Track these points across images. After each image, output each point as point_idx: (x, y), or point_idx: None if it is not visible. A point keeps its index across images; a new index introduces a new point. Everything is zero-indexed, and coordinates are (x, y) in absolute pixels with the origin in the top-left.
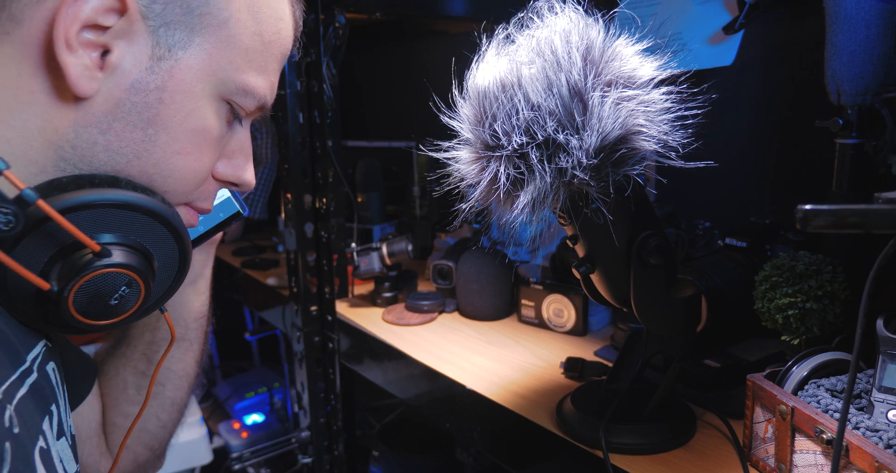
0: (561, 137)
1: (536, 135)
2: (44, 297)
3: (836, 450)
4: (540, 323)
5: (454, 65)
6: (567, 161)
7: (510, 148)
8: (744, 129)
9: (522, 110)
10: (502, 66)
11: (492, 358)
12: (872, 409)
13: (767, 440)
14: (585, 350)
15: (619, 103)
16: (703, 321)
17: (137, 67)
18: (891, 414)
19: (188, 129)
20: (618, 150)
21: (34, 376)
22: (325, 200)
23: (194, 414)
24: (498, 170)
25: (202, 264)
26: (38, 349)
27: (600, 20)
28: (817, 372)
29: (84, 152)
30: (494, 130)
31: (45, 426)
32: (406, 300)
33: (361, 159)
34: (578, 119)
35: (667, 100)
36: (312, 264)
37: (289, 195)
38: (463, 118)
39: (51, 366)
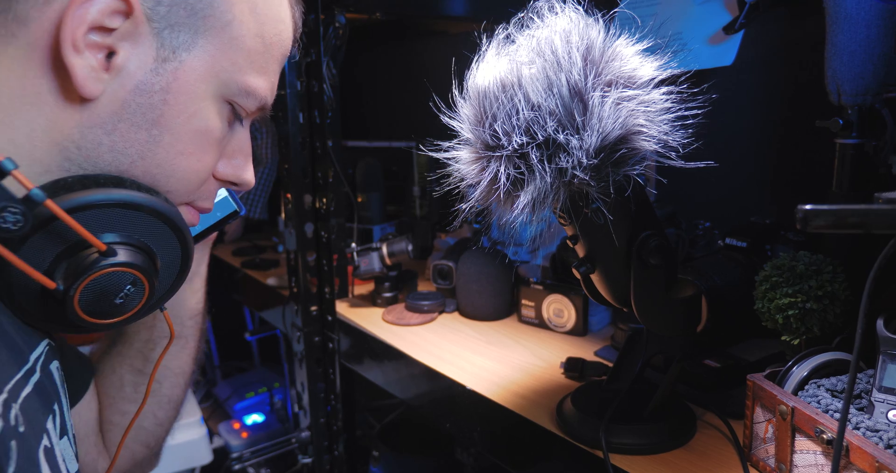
0: (561, 137)
1: (537, 135)
2: (49, 296)
3: (837, 450)
4: (540, 323)
5: (454, 65)
6: (567, 161)
7: (510, 148)
8: (744, 129)
9: (522, 110)
10: (502, 66)
11: (492, 358)
12: (873, 409)
13: (768, 440)
14: (586, 350)
15: (619, 103)
16: (703, 322)
17: (142, 69)
18: (891, 414)
19: (191, 130)
20: (618, 150)
21: (38, 375)
22: (325, 200)
23: (194, 414)
24: (498, 170)
25: (198, 261)
26: (42, 348)
27: (600, 20)
28: (817, 372)
29: (89, 153)
30: (494, 130)
31: (49, 425)
32: (406, 300)
33: (361, 159)
34: (579, 119)
35: (667, 100)
36: (312, 264)
37: (289, 195)
38: (463, 118)
39: (54, 365)
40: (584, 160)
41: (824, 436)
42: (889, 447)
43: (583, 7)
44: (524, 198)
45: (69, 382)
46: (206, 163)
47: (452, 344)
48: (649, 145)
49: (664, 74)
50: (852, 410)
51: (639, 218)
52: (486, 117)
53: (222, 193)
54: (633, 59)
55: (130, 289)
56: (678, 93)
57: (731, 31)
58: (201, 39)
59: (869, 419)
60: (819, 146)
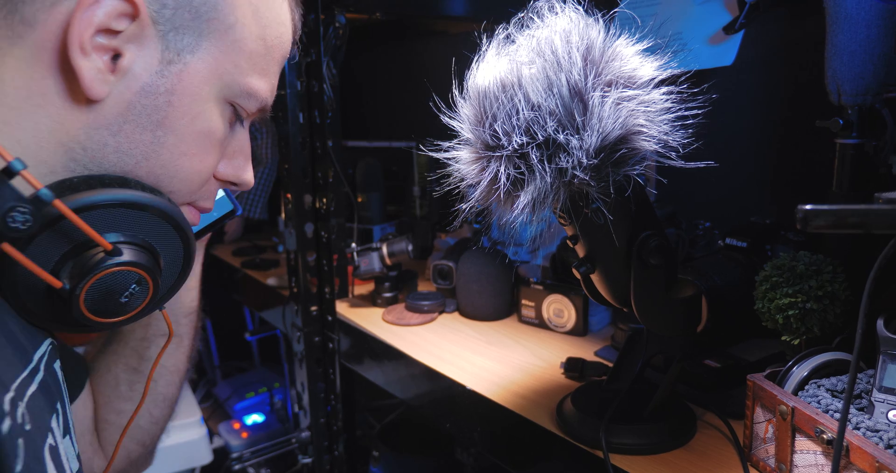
0: (561, 137)
1: (537, 135)
2: (54, 295)
3: (837, 450)
4: (540, 323)
5: (454, 65)
6: (567, 161)
7: (510, 148)
8: (744, 129)
9: (523, 110)
10: (502, 66)
11: (492, 358)
12: (873, 409)
13: (768, 440)
14: (586, 350)
15: (619, 103)
16: (703, 322)
17: (148, 71)
18: (891, 414)
19: (195, 131)
20: (618, 150)
21: (42, 374)
22: (325, 200)
23: (194, 414)
24: (498, 170)
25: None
26: (45, 347)
27: (600, 20)
28: (818, 372)
29: (94, 153)
30: (495, 130)
31: (54, 423)
32: (406, 300)
33: (361, 159)
34: (579, 119)
35: (667, 100)
36: (312, 264)
37: (289, 195)
38: (463, 118)
39: (57, 364)
40: (585, 160)
41: (824, 436)
42: (889, 447)
43: (583, 7)
44: (524, 198)
45: (66, 381)
46: (208, 164)
47: (452, 344)
48: (649, 145)
49: (664, 74)
50: (852, 410)
51: (639, 218)
52: (486, 117)
53: (220, 192)
54: (633, 59)
55: (135, 288)
56: (678, 93)
57: (731, 31)
58: (205, 42)
59: (869, 419)
60: (819, 146)
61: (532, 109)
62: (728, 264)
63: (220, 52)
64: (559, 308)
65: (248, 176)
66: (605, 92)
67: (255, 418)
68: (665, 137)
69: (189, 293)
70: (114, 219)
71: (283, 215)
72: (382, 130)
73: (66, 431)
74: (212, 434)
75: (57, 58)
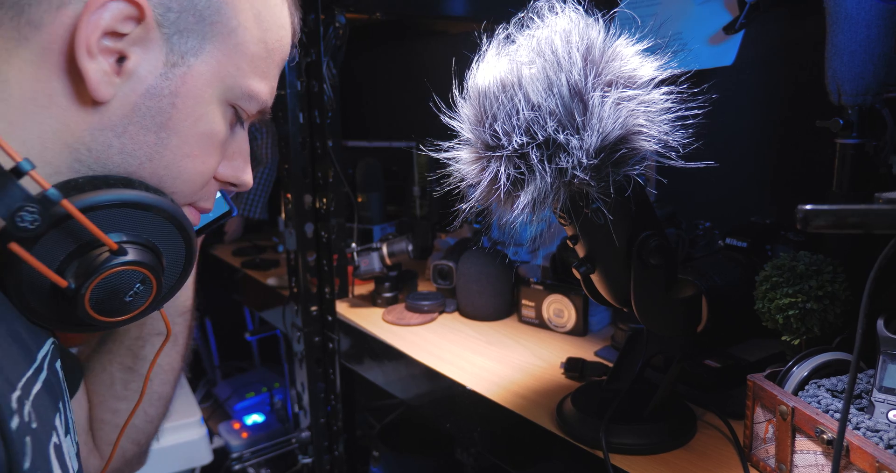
0: (561, 137)
1: (537, 135)
2: (59, 294)
3: (837, 450)
4: (540, 323)
5: (454, 65)
6: (567, 161)
7: (510, 148)
8: (744, 129)
9: (523, 110)
10: (502, 66)
11: (492, 358)
12: (873, 409)
13: (768, 440)
14: (586, 350)
15: (619, 103)
16: (703, 322)
17: (152, 73)
18: (891, 414)
19: (198, 132)
20: (618, 150)
21: (45, 373)
22: (325, 200)
23: (194, 414)
24: (498, 170)
25: None
26: (48, 346)
27: (601, 20)
28: (818, 372)
29: (99, 154)
30: (495, 130)
31: (57, 422)
32: (406, 300)
33: (361, 159)
34: (579, 119)
35: (667, 100)
36: (313, 264)
37: (289, 195)
38: (463, 118)
39: (58, 364)
40: (585, 160)
41: (824, 436)
42: (889, 447)
43: (583, 7)
44: (524, 198)
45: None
46: (209, 165)
47: (452, 344)
48: (649, 145)
49: (664, 74)
50: (852, 410)
51: (639, 218)
52: (487, 117)
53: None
54: (633, 59)
55: (140, 287)
56: (678, 93)
57: (732, 31)
58: (208, 45)
59: (869, 419)
60: (819, 146)
61: (532, 109)
62: (728, 264)
63: (223, 55)
64: (559, 308)
65: (247, 177)
66: (605, 92)
67: (255, 418)
68: (665, 137)
69: (184, 292)
70: (118, 219)
71: (283, 215)
72: (382, 130)
73: (68, 430)
74: (212, 434)
75: (63, 60)
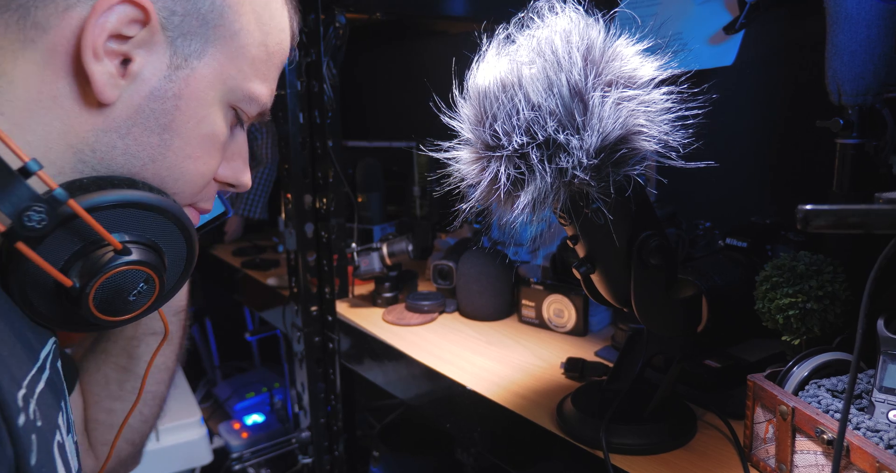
0: (561, 137)
1: (537, 135)
2: (63, 294)
3: (837, 451)
4: (540, 323)
5: (454, 65)
6: (567, 161)
7: (510, 148)
8: (744, 129)
9: (523, 110)
10: (503, 66)
11: (492, 358)
12: (873, 409)
13: (768, 440)
14: (586, 351)
15: (619, 103)
16: (703, 322)
17: (156, 76)
18: (891, 415)
19: (200, 134)
20: (618, 150)
21: (48, 372)
22: (325, 200)
23: (194, 414)
24: (498, 170)
25: None
26: (50, 345)
27: (601, 20)
28: (818, 372)
29: (103, 155)
30: (495, 130)
31: (60, 421)
32: (406, 300)
33: (361, 159)
34: (579, 119)
35: (667, 100)
36: (313, 264)
37: (289, 195)
38: (463, 118)
39: (59, 363)
40: (585, 160)
41: (825, 436)
42: (889, 447)
43: (583, 7)
44: (524, 198)
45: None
46: (210, 166)
47: (453, 344)
48: (649, 145)
49: (664, 74)
50: (853, 410)
51: (639, 218)
52: (487, 117)
53: None
54: (633, 59)
55: (143, 287)
56: (678, 93)
57: (732, 31)
58: (211, 48)
59: (869, 419)
60: (819, 146)
61: (532, 109)
62: (728, 264)
63: (225, 58)
64: (559, 308)
65: (246, 178)
66: (605, 92)
67: (255, 418)
68: (665, 137)
69: (179, 292)
70: (122, 219)
71: (283, 215)
72: (382, 130)
73: (70, 429)
74: (212, 434)
75: (69, 62)
